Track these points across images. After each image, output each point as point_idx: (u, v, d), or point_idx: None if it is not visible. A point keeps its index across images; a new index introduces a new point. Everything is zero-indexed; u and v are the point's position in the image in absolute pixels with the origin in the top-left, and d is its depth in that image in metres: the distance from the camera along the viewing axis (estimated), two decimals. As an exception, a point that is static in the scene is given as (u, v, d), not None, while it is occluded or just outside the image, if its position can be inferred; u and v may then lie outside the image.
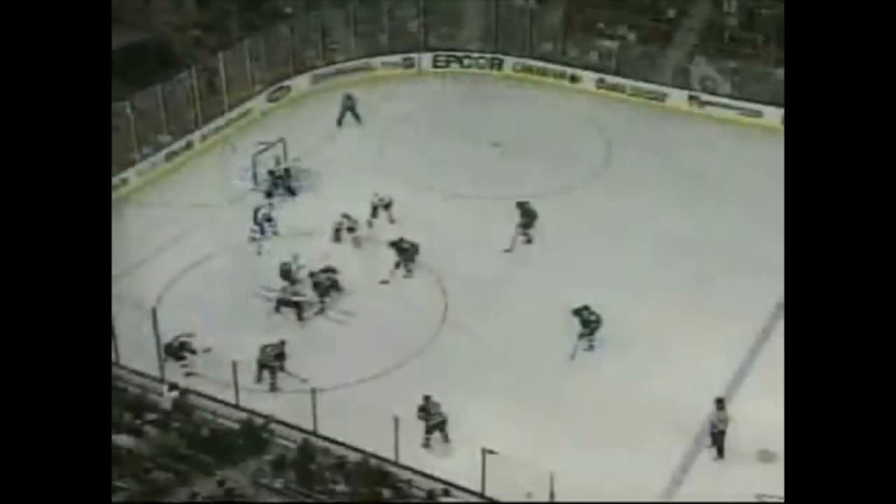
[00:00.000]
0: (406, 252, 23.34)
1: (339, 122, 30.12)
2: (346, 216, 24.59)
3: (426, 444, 18.77)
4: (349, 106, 30.16)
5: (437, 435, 18.78)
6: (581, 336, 20.99)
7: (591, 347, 21.13)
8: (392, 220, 24.98)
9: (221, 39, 31.59)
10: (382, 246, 23.69)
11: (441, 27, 33.96)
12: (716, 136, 29.65)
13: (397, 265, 23.34)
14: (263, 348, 20.15)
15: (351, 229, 24.58)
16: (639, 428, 19.06)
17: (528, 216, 24.51)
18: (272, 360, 20.11)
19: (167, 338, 20.14)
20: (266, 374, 20.11)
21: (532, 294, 22.78)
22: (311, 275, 22.64)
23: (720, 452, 18.61)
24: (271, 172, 26.71)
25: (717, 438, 18.57)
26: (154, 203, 26.30)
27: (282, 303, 22.18)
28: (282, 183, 26.72)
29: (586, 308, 21.03)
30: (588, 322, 20.97)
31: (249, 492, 16.33)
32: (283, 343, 20.29)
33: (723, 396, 18.90)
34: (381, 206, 25.10)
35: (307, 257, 23.06)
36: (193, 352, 20.27)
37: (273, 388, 20.04)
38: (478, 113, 30.92)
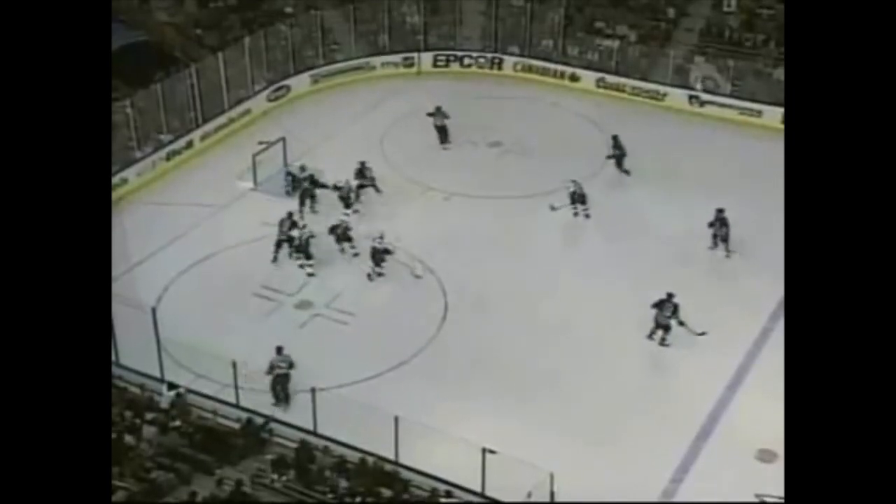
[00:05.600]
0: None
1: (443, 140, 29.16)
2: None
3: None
4: (440, 125, 29.03)
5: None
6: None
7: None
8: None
9: (221, 39, 31.60)
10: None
11: (441, 27, 33.96)
12: (716, 135, 29.64)
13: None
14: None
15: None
16: (639, 427, 19.07)
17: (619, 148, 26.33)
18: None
19: (166, 338, 20.10)
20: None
21: (532, 293, 22.78)
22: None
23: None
24: (297, 178, 26.36)
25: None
26: (154, 202, 26.31)
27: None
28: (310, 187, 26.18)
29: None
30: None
31: (249, 491, 16.33)
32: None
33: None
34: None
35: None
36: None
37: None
38: (478, 113, 30.92)
